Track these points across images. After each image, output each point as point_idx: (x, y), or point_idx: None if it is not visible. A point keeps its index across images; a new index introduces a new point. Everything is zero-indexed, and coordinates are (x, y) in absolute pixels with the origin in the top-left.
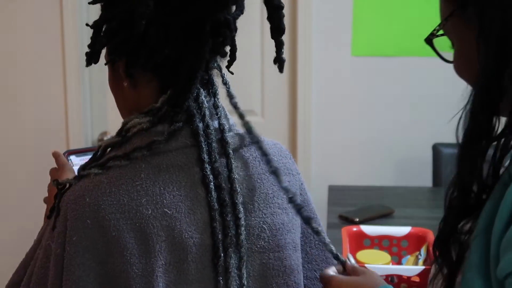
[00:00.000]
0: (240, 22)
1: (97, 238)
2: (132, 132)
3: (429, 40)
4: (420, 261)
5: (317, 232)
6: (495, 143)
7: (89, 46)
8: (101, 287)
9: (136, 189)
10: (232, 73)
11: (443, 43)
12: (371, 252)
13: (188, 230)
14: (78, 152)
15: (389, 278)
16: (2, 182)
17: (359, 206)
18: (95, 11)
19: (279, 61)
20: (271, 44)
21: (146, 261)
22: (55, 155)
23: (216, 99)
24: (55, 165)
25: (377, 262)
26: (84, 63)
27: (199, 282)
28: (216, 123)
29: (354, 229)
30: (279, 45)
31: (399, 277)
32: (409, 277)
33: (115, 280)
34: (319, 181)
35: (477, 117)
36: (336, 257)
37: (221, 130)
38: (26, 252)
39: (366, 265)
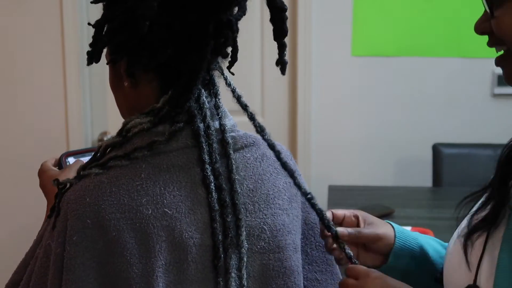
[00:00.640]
0: (240, 22)
1: (97, 238)
2: (133, 132)
3: None
4: None
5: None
6: None
7: (90, 45)
8: (101, 287)
9: (136, 189)
10: (233, 74)
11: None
12: None
13: (188, 230)
14: (76, 153)
15: None
16: (2, 182)
17: (359, 206)
18: (95, 11)
19: (281, 63)
20: (271, 44)
21: (146, 261)
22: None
23: (217, 99)
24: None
25: None
26: (85, 62)
27: (199, 282)
28: (217, 124)
29: None
30: (281, 47)
31: None
32: None
33: (115, 280)
34: (319, 181)
35: None
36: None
37: (222, 130)
38: (26, 251)
39: None
